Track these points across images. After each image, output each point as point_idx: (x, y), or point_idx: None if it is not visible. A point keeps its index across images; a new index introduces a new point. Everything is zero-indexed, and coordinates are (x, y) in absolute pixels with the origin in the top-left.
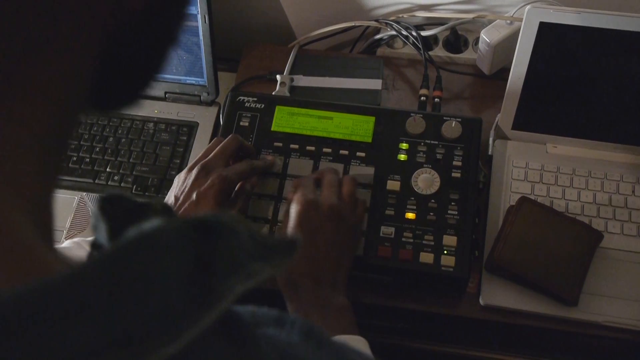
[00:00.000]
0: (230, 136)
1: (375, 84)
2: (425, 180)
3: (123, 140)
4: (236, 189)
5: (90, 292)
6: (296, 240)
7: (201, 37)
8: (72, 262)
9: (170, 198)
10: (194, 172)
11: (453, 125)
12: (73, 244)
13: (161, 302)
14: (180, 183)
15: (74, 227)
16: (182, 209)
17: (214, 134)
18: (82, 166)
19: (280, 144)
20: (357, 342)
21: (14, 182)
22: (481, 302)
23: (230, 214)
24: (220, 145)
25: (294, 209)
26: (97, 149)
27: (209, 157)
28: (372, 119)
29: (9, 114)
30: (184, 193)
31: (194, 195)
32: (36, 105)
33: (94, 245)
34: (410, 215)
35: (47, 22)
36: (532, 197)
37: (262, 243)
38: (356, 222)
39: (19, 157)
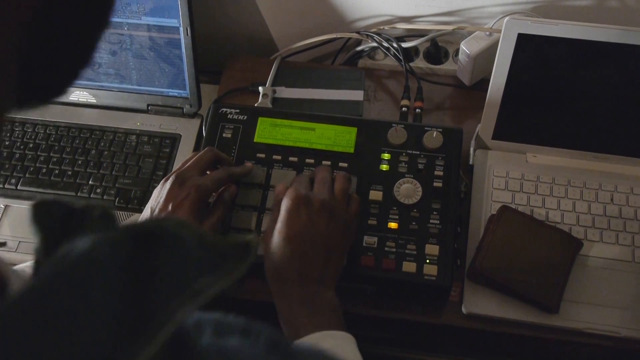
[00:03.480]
0: (205, 148)
1: (357, 95)
2: (407, 190)
3: (105, 152)
4: (215, 198)
5: (10, 336)
6: (251, 242)
7: (183, 50)
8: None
9: (146, 210)
10: (169, 182)
11: (434, 135)
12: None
13: (91, 341)
14: (156, 195)
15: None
16: None
17: (196, 146)
18: (64, 179)
19: (263, 155)
20: (344, 339)
21: None
22: (464, 310)
23: (175, 219)
24: (195, 156)
25: (284, 204)
26: (80, 162)
27: (183, 168)
28: (354, 129)
29: None
30: (159, 204)
31: (170, 206)
32: None
33: (35, 259)
34: (393, 225)
35: None
36: (513, 206)
37: (212, 249)
38: (348, 219)
39: None
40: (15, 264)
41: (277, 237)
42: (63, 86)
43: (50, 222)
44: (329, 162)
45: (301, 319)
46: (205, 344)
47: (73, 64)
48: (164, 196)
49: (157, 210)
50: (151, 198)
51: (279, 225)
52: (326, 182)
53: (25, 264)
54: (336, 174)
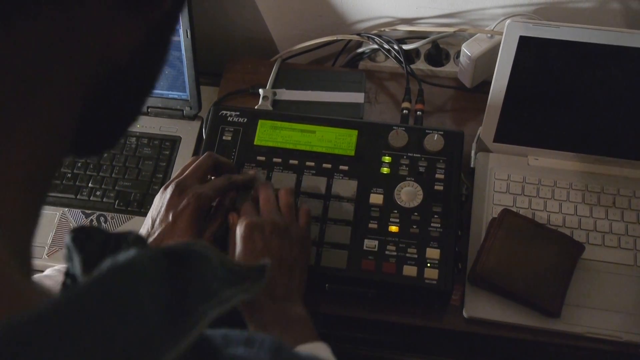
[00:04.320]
0: (205, 153)
1: (357, 97)
2: (408, 193)
3: (105, 155)
4: (215, 206)
5: (68, 324)
6: (265, 266)
7: (183, 52)
8: (49, 294)
9: (147, 220)
10: (168, 191)
11: (435, 138)
12: (54, 272)
13: (139, 329)
14: (156, 204)
15: (56, 243)
16: (159, 230)
17: (196, 149)
18: (64, 182)
19: (263, 158)
20: (319, 349)
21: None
22: (465, 314)
23: (201, 243)
24: (195, 162)
25: (238, 233)
26: (79, 164)
27: (182, 176)
28: (355, 132)
29: None
30: (160, 214)
31: (170, 216)
32: (22, 151)
33: (67, 274)
34: (394, 229)
35: (35, 73)
36: (514, 209)
37: (233, 270)
38: (300, 233)
39: (5, 198)
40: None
41: None
42: (112, 142)
43: (91, 246)
44: (329, 165)
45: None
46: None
47: (122, 123)
48: (164, 205)
49: (157, 220)
50: (152, 207)
51: (237, 254)
52: (270, 201)
53: (43, 274)
54: (278, 190)
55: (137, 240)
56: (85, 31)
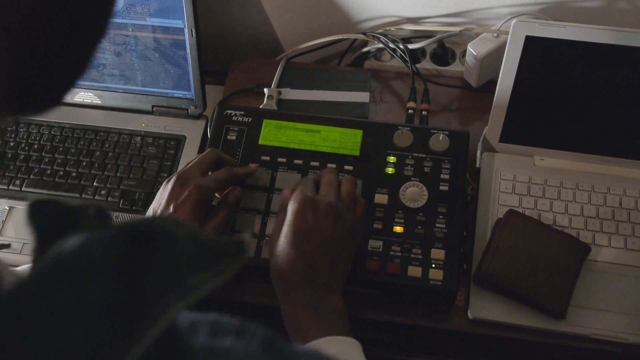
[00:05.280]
0: (208, 149)
1: (362, 96)
2: (413, 194)
3: (110, 154)
4: (219, 200)
5: (7, 328)
6: (243, 241)
7: (188, 51)
8: None
9: (149, 212)
10: (170, 183)
11: (440, 138)
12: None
13: (81, 337)
14: (158, 196)
15: None
16: None
17: (201, 148)
18: (69, 180)
19: (268, 158)
20: (350, 345)
21: None
22: (469, 315)
23: (170, 217)
24: (197, 157)
25: (290, 207)
26: (84, 163)
27: (184, 169)
28: (360, 132)
29: None
30: (161, 206)
31: (171, 207)
32: None
33: (33, 258)
34: (398, 229)
35: None
36: (520, 209)
37: (206, 247)
38: (355, 222)
39: None
40: (19, 266)
41: (282, 241)
42: (58, 95)
43: (46, 221)
44: (334, 165)
45: (306, 324)
46: (199, 344)
47: (68, 72)
48: (165, 197)
49: (159, 211)
50: (154, 200)
51: (285, 228)
52: (332, 185)
53: (27, 265)
54: (342, 177)
55: (98, 214)
56: None
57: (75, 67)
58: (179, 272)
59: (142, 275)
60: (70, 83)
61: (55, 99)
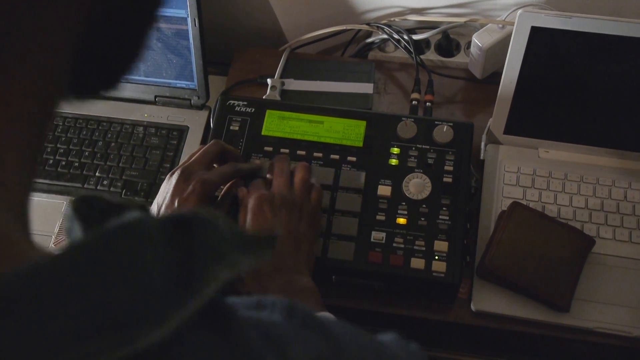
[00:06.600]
0: (212, 141)
1: (366, 87)
2: (417, 185)
3: (112, 144)
4: (222, 193)
5: (74, 276)
6: (275, 234)
7: (191, 41)
8: (50, 252)
9: (153, 206)
10: (174, 177)
11: (445, 129)
12: None
13: (147, 285)
14: (162, 190)
15: (63, 231)
16: None
17: (204, 138)
18: (71, 170)
19: (271, 149)
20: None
21: None
22: (472, 308)
23: (208, 210)
24: (202, 149)
25: (248, 207)
26: (86, 153)
27: (189, 162)
28: (363, 123)
29: None
30: (165, 200)
31: (176, 202)
32: (16, 94)
33: None
34: (402, 221)
35: (25, 8)
36: (524, 202)
37: (242, 236)
38: (311, 207)
39: (1, 149)
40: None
41: None
42: (114, 80)
43: (92, 214)
44: (337, 156)
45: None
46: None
47: (124, 58)
48: (169, 191)
49: (163, 205)
50: (158, 193)
51: (248, 226)
52: (283, 175)
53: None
54: (295, 165)
55: (141, 208)
56: None
57: (130, 52)
58: (223, 248)
59: (193, 246)
60: (126, 67)
61: (111, 83)
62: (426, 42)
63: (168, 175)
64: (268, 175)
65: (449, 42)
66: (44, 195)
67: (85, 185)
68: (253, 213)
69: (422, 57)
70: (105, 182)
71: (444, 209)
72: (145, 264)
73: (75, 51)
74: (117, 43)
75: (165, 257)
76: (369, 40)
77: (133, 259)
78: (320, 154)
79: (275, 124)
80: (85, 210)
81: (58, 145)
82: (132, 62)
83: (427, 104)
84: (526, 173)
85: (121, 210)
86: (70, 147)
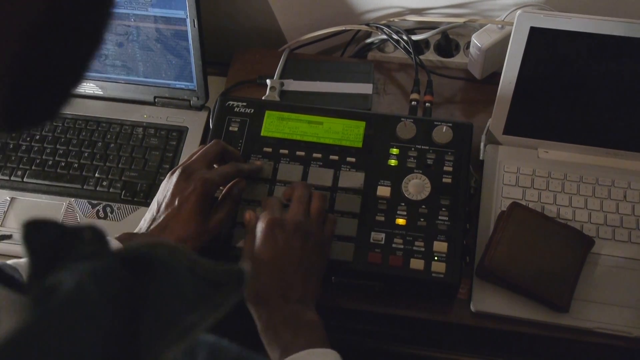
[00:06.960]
0: (212, 141)
1: (365, 88)
2: (416, 186)
3: (112, 145)
4: (223, 192)
5: None
6: (244, 271)
7: (190, 42)
8: None
9: (153, 204)
10: (175, 176)
11: (444, 130)
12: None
13: None
14: (162, 189)
15: None
16: (164, 215)
17: (203, 139)
18: (71, 171)
19: (270, 149)
20: (329, 356)
21: None
22: (472, 308)
23: (168, 245)
24: (202, 149)
25: (259, 227)
26: (86, 154)
27: (189, 161)
28: (363, 123)
29: None
30: (165, 199)
31: (176, 201)
32: None
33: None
34: (401, 221)
35: None
36: (524, 202)
37: (205, 278)
38: (323, 238)
39: None
40: (20, 257)
41: (255, 262)
42: (54, 108)
43: (42, 244)
44: (336, 157)
45: (285, 339)
46: None
47: (67, 82)
48: (170, 190)
49: (163, 204)
50: (158, 191)
51: (257, 249)
52: (302, 202)
53: (24, 260)
54: (314, 192)
55: (95, 237)
56: None
57: (72, 76)
58: (175, 310)
59: (138, 316)
60: (67, 93)
61: (52, 112)
62: (425, 42)
63: (169, 174)
64: (282, 199)
65: (448, 42)
66: (44, 196)
67: (85, 186)
68: (264, 236)
69: (421, 57)
70: (104, 183)
71: (444, 209)
72: (81, 356)
73: (9, 75)
74: (57, 65)
75: (104, 340)
76: (369, 40)
77: (67, 352)
78: (319, 155)
79: (275, 125)
80: (37, 237)
81: (57, 146)
82: (74, 86)
83: (427, 104)
84: (525, 173)
85: (73, 240)
86: (70, 148)
